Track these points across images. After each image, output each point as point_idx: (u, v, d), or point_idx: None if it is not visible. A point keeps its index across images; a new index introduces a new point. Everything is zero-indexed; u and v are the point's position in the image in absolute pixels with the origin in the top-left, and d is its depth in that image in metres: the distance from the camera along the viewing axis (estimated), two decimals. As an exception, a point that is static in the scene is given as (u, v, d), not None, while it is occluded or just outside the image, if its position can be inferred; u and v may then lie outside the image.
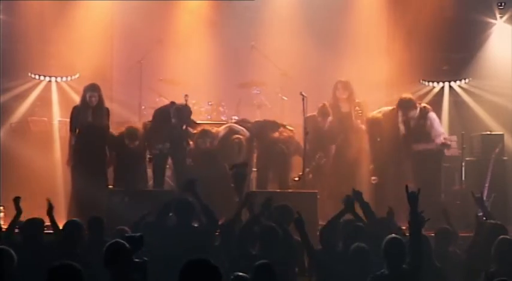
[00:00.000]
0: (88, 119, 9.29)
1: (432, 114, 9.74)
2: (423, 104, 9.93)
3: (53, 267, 4.13)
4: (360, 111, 9.94)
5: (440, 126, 9.89)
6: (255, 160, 9.88)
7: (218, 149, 9.48)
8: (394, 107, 9.86)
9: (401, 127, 9.71)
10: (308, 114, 9.73)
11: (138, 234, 4.71)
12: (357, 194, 7.06)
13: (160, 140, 9.33)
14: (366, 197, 7.33)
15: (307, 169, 9.68)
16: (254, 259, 6.15)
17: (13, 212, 7.37)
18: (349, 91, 10.01)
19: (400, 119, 9.70)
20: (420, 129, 9.62)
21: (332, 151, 9.99)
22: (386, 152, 9.72)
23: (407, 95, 9.86)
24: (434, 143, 9.57)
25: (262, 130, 9.74)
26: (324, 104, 9.91)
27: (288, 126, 9.89)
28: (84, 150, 9.28)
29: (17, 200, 7.09)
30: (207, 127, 9.80)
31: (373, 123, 9.84)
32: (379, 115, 9.90)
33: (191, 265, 3.57)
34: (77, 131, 9.37)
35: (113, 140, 9.50)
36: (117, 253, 4.71)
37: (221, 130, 9.74)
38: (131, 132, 9.38)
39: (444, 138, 9.62)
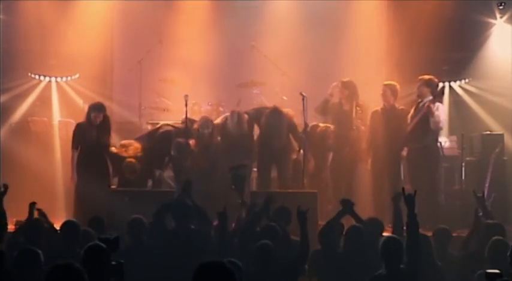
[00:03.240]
0: (91, 137, 9.24)
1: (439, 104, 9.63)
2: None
3: (54, 267, 4.08)
4: (361, 111, 9.94)
5: (443, 110, 9.69)
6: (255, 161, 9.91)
7: (219, 130, 9.52)
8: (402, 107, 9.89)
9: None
10: (311, 125, 9.75)
11: (114, 236, 4.65)
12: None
13: (159, 166, 9.42)
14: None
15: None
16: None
17: (13, 212, 7.39)
18: (349, 90, 10.01)
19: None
20: (422, 109, 9.53)
21: (329, 159, 10.00)
22: (386, 151, 9.70)
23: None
24: (421, 112, 9.43)
25: (261, 112, 9.82)
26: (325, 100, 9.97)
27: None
28: (87, 162, 9.26)
29: (32, 205, 7.05)
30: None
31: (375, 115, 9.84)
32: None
33: (206, 268, 3.54)
34: (79, 148, 9.32)
35: (113, 158, 9.44)
36: (93, 254, 4.61)
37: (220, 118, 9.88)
38: (130, 167, 9.32)
39: (430, 108, 9.34)
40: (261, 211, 6.94)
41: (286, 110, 9.77)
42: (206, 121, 9.50)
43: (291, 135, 9.67)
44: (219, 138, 9.53)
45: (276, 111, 9.52)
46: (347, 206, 6.81)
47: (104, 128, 9.32)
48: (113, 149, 9.46)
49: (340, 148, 9.92)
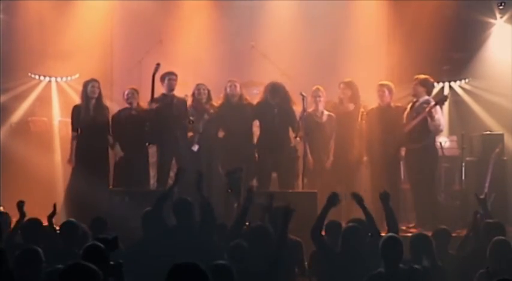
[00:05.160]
0: (89, 116, 9.32)
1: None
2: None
3: (69, 266, 4.01)
4: (365, 112, 9.89)
5: (441, 113, 9.58)
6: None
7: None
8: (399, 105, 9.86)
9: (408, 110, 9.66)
10: (310, 109, 9.73)
11: (112, 236, 4.64)
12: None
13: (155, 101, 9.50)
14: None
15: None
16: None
17: (13, 212, 7.40)
18: (352, 90, 9.99)
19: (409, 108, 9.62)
20: (419, 110, 9.45)
21: (332, 147, 9.95)
22: (383, 149, 9.68)
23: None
24: (422, 115, 9.33)
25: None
26: (317, 87, 9.92)
27: None
28: (87, 150, 9.30)
29: (20, 204, 7.09)
30: None
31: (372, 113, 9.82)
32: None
33: (178, 269, 3.54)
34: (79, 130, 9.39)
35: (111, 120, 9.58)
36: (91, 255, 4.56)
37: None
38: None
39: (431, 113, 9.26)
40: (246, 205, 6.93)
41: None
42: (202, 85, 9.83)
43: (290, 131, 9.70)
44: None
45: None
46: (331, 201, 6.70)
47: (101, 105, 9.45)
48: None
49: (344, 150, 9.87)
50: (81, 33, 11.46)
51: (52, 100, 11.57)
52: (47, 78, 11.68)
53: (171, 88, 9.69)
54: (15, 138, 10.81)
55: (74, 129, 9.45)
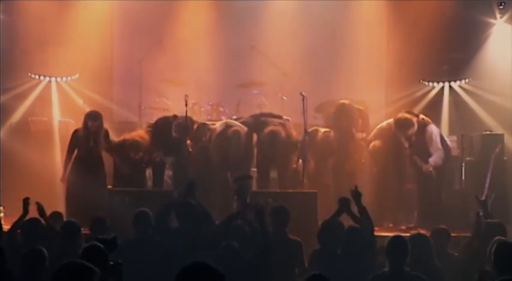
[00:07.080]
0: (88, 146, 9.27)
1: (430, 128, 9.46)
2: (421, 116, 9.57)
3: (63, 265, 3.98)
4: (361, 121, 9.80)
5: (439, 140, 9.49)
6: (254, 160, 9.88)
7: (216, 144, 9.44)
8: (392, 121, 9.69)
9: (404, 143, 9.56)
10: (311, 129, 9.67)
11: (111, 236, 4.65)
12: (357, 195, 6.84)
13: (160, 149, 9.34)
14: (367, 199, 7.27)
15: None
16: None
17: (13, 212, 7.40)
18: (344, 115, 9.72)
19: (400, 138, 9.49)
20: (420, 145, 9.41)
21: (331, 162, 9.91)
22: (388, 159, 9.66)
23: (404, 114, 9.46)
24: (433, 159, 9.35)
25: (259, 122, 9.75)
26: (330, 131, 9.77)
27: (284, 117, 9.89)
28: (83, 165, 9.29)
29: (26, 201, 7.07)
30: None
31: (374, 152, 9.73)
32: (378, 143, 9.70)
33: (188, 271, 3.51)
34: (76, 151, 9.35)
35: (114, 148, 9.43)
36: (91, 255, 4.51)
37: (218, 126, 9.69)
38: (134, 145, 9.28)
39: (434, 162, 9.33)
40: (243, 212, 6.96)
41: (283, 124, 9.66)
42: (204, 129, 9.53)
43: None
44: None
45: (272, 135, 9.39)
46: (344, 205, 6.75)
47: (100, 135, 9.30)
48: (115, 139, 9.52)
49: (341, 160, 9.84)
50: (81, 33, 11.47)
51: (52, 100, 11.56)
52: (47, 78, 11.67)
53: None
54: (15, 138, 10.80)
55: (69, 151, 9.40)
